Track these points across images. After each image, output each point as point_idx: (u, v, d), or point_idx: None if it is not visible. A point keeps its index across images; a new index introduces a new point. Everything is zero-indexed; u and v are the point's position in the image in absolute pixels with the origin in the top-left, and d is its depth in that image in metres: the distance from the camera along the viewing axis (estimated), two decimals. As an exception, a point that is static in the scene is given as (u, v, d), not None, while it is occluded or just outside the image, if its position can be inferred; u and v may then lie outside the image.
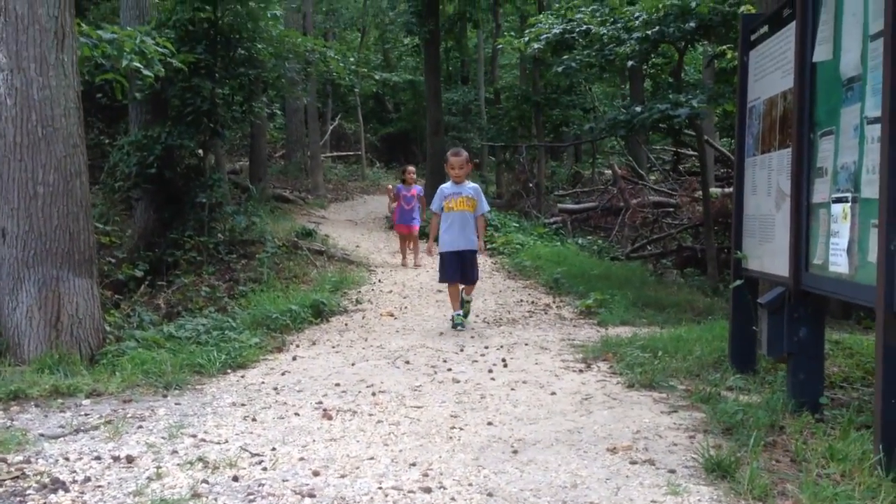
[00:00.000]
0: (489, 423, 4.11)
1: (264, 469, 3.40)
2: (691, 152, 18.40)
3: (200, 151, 10.70)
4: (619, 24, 9.51)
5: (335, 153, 29.01)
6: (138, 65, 6.88)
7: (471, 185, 7.53)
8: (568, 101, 21.04)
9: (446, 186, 7.51)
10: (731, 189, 8.29)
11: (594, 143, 21.88)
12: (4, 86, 5.32)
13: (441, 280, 7.55)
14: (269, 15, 10.59)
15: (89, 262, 5.70)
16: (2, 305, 5.48)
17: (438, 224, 7.62)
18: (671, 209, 15.19)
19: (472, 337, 6.84)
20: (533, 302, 8.99)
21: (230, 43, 10.41)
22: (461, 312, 7.44)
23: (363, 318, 7.85)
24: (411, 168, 12.81)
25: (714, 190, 12.91)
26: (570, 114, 21.86)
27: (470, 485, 3.21)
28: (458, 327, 7.24)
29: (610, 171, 19.34)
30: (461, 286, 7.52)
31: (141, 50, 6.91)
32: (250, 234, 11.23)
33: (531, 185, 19.02)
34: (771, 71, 4.83)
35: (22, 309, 5.39)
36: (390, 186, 13.33)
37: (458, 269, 7.34)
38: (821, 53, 4.05)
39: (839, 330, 6.91)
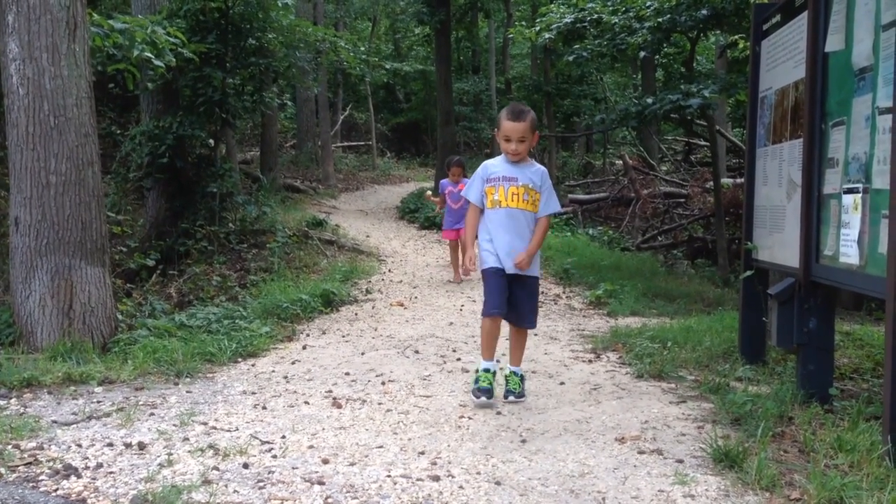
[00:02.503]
0: (498, 413, 4.13)
1: (274, 457, 3.42)
2: (703, 142, 18.32)
3: (211, 141, 10.73)
4: (630, 14, 9.47)
5: (346, 143, 29.01)
6: (149, 55, 6.89)
7: (536, 168, 4.45)
8: (579, 91, 20.99)
9: (493, 163, 4.49)
10: (742, 179, 8.25)
11: (606, 134, 21.80)
12: (17, 75, 5.35)
13: (483, 312, 4.42)
14: (279, 4, 10.57)
15: (101, 250, 5.74)
16: (15, 294, 5.53)
17: (477, 224, 4.50)
18: (682, 200, 15.14)
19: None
20: (543, 292, 8.99)
21: (241, 33, 10.41)
22: (492, 367, 4.39)
23: (373, 307, 7.87)
24: (458, 159, 9.89)
25: (725, 180, 12.87)
26: (581, 104, 21.80)
27: (478, 473, 3.22)
28: (482, 396, 4.28)
29: (621, 162, 19.27)
30: (507, 326, 4.57)
31: (152, 40, 6.93)
32: (261, 224, 11.26)
33: (542, 175, 18.98)
34: (783, 61, 4.80)
35: (35, 297, 5.43)
36: (429, 193, 12.05)
37: (504, 296, 4.36)
38: (833, 43, 4.03)
39: (850, 321, 6.88)
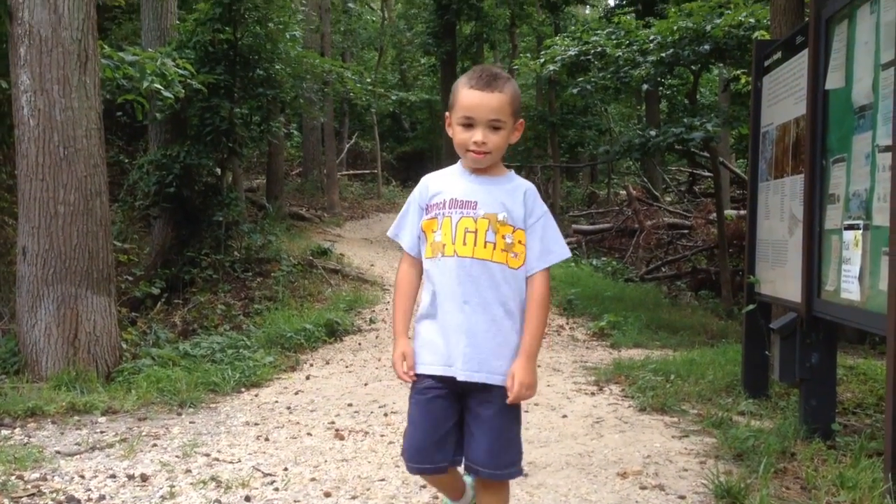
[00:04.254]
0: (500, 446, 4.13)
1: (276, 489, 3.43)
2: (707, 173, 18.39)
3: (218, 170, 10.82)
4: (634, 47, 9.56)
5: (351, 171, 29.15)
6: (159, 86, 6.99)
7: (516, 184, 2.50)
8: (584, 121, 21.11)
9: (437, 177, 2.55)
10: (745, 211, 8.29)
11: (610, 164, 21.90)
12: (28, 107, 5.43)
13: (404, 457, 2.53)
14: (287, 36, 10.72)
15: (108, 280, 5.78)
16: (21, 322, 5.56)
17: (414, 289, 2.55)
18: (686, 231, 15.17)
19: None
20: (547, 323, 9.00)
21: (249, 63, 10.54)
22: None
23: (377, 337, 7.88)
24: None
25: (729, 212, 12.90)
26: (585, 134, 21.91)
27: (480, 508, 3.22)
28: None
29: (625, 192, 19.34)
30: (462, 476, 2.67)
31: (161, 72, 7.02)
32: (266, 253, 11.31)
33: (546, 205, 19.04)
34: (784, 97, 4.86)
35: (41, 326, 5.46)
36: None
37: (442, 432, 2.42)
38: (833, 81, 4.07)
39: (853, 354, 6.88)
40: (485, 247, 2.34)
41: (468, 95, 2.34)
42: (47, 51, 5.41)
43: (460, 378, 2.33)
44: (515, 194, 2.40)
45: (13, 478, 3.50)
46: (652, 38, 9.30)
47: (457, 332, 2.34)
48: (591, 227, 17.17)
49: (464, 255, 2.34)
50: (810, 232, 4.20)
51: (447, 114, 2.44)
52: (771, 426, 4.32)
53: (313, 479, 3.57)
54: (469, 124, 2.34)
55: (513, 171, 2.50)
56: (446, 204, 2.39)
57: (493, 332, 2.34)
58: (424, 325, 2.44)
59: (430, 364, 2.39)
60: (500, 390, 2.33)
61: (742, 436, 4.02)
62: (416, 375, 2.42)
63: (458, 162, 2.48)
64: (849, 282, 3.74)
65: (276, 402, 5.19)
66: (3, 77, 6.19)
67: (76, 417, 4.64)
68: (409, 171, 32.10)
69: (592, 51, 10.10)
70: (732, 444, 3.99)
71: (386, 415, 4.82)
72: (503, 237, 2.35)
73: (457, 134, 2.38)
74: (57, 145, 5.46)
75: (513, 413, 2.38)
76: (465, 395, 2.39)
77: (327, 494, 3.36)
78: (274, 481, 3.53)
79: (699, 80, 10.82)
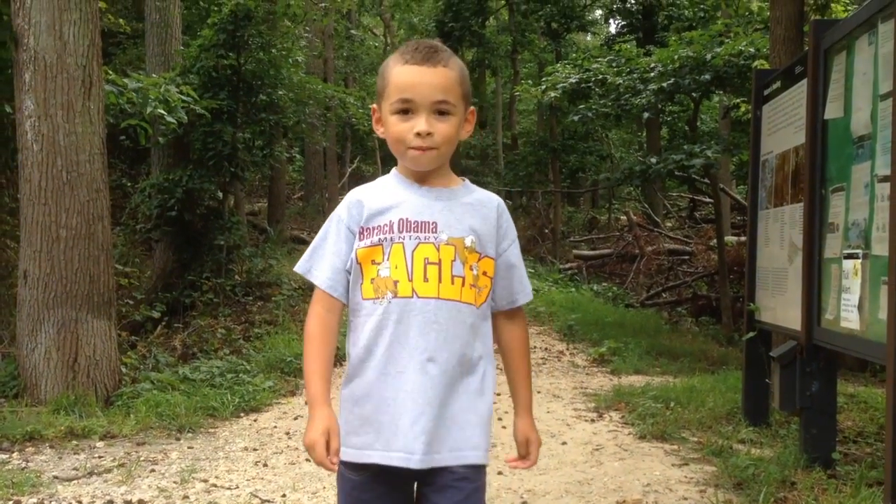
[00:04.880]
0: (499, 473, 4.11)
1: (274, 516, 3.42)
2: (708, 199, 18.43)
3: (220, 194, 10.85)
4: (634, 75, 9.63)
5: (353, 196, 29.23)
6: (162, 111, 7.03)
7: (479, 196, 1.94)
8: (585, 147, 21.19)
9: (371, 190, 1.91)
10: (746, 237, 8.31)
11: (611, 190, 21.97)
12: (32, 132, 5.46)
13: None
14: (290, 62, 10.80)
15: (108, 304, 5.79)
16: (21, 346, 5.56)
17: (332, 341, 1.86)
18: (686, 257, 15.18)
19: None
20: (546, 349, 8.98)
21: (252, 89, 10.60)
22: None
23: (377, 362, 7.87)
24: None
25: (730, 238, 12.92)
26: (586, 160, 21.99)
27: (478, 536, 3.20)
28: None
29: (626, 217, 19.39)
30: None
31: (165, 98, 7.07)
32: (267, 277, 11.32)
33: (547, 230, 19.09)
34: (783, 126, 4.89)
35: (40, 350, 5.46)
36: None
37: None
38: (832, 111, 4.10)
39: (854, 383, 6.85)
40: (452, 283, 1.78)
41: (404, 73, 1.78)
42: (52, 76, 5.46)
43: (419, 467, 1.73)
44: (484, 212, 1.87)
45: (10, 503, 3.49)
46: (653, 66, 9.38)
47: (415, 402, 1.73)
48: (591, 253, 17.19)
49: (426, 296, 1.76)
50: (810, 260, 4.21)
51: (373, 106, 1.90)
52: (771, 455, 4.31)
53: (311, 507, 3.56)
54: (406, 110, 1.77)
55: (467, 180, 1.94)
56: (394, 226, 1.79)
57: (464, 398, 1.80)
58: (359, 390, 1.80)
59: (373, 450, 1.75)
60: (470, 470, 1.78)
61: (742, 464, 4.01)
62: (347, 464, 1.78)
63: (394, 170, 1.90)
64: (848, 310, 3.75)
65: (275, 427, 5.18)
66: (8, 102, 6.24)
67: (74, 442, 4.63)
68: (410, 195, 32.16)
69: (593, 78, 10.17)
70: (732, 473, 3.97)
71: (385, 441, 4.80)
72: (470, 268, 1.81)
73: (391, 127, 1.80)
74: (60, 170, 5.49)
75: (480, 495, 1.82)
76: (418, 483, 1.82)
77: (325, 522, 3.35)
78: (272, 508, 3.52)
79: (700, 108, 10.88)
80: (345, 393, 1.84)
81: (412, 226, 1.80)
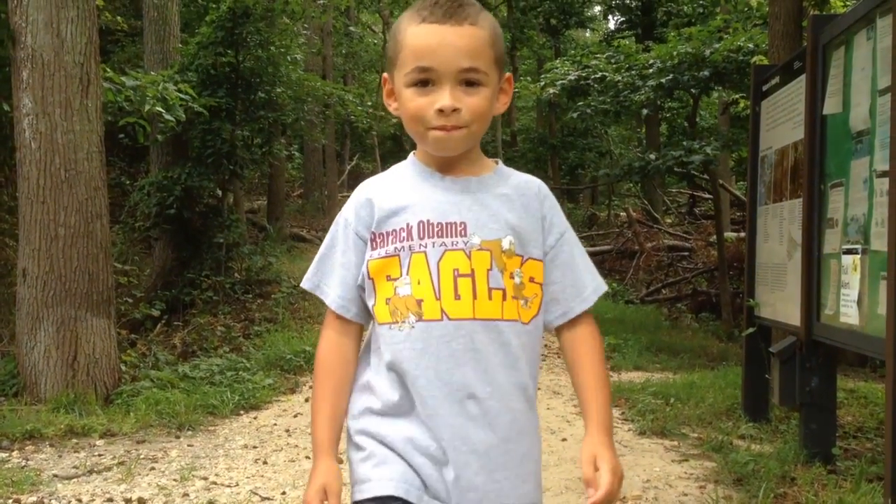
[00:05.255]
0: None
1: (274, 514, 3.42)
2: (707, 195, 18.44)
3: (219, 192, 10.85)
4: (633, 72, 9.61)
5: (352, 193, 29.23)
6: (160, 109, 7.02)
7: (519, 181, 1.57)
8: (584, 143, 21.21)
9: (383, 184, 1.57)
10: (745, 234, 8.31)
11: (610, 186, 21.98)
12: (29, 130, 5.46)
13: None
14: (289, 59, 10.79)
15: (107, 302, 5.78)
16: (20, 344, 5.56)
17: (346, 376, 1.54)
18: (686, 253, 15.18)
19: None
20: (546, 345, 8.98)
21: (251, 87, 10.59)
22: None
23: (377, 360, 7.88)
24: None
25: (729, 234, 12.92)
26: (586, 156, 22.01)
27: (478, 533, 3.20)
28: None
29: (625, 214, 19.39)
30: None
31: (163, 96, 7.06)
32: (266, 274, 11.32)
33: (547, 227, 19.05)
34: (782, 121, 4.88)
35: (40, 348, 5.46)
36: None
37: None
38: (830, 106, 4.10)
39: (854, 378, 6.86)
40: (490, 298, 1.43)
41: (421, 34, 1.42)
42: (49, 74, 5.45)
43: None
44: (524, 202, 1.52)
45: (10, 501, 3.49)
46: (651, 62, 9.36)
47: (455, 448, 1.42)
48: (591, 249, 17.19)
49: (459, 317, 1.42)
50: (809, 256, 4.21)
51: (384, 75, 1.55)
52: (771, 450, 4.31)
53: (311, 504, 3.56)
54: (425, 81, 1.43)
55: (500, 162, 1.59)
56: (413, 231, 1.46)
57: (515, 440, 1.46)
58: (386, 427, 1.47)
59: (391, 491, 1.43)
60: None
61: (742, 460, 4.01)
62: None
63: (411, 157, 1.58)
64: (848, 306, 3.74)
65: (275, 424, 5.18)
66: (6, 100, 6.23)
67: (74, 440, 4.63)
68: (409, 192, 32.17)
69: (592, 75, 10.15)
70: (732, 469, 3.97)
71: (385, 438, 4.81)
72: (510, 276, 1.45)
73: (406, 102, 1.46)
74: (58, 168, 5.48)
75: None
76: None
77: (325, 519, 3.35)
78: (272, 506, 3.52)
79: (699, 104, 10.87)
80: (358, 438, 1.50)
81: (435, 229, 1.45)
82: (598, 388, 1.53)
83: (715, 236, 11.88)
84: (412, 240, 1.45)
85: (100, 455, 4.36)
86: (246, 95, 10.53)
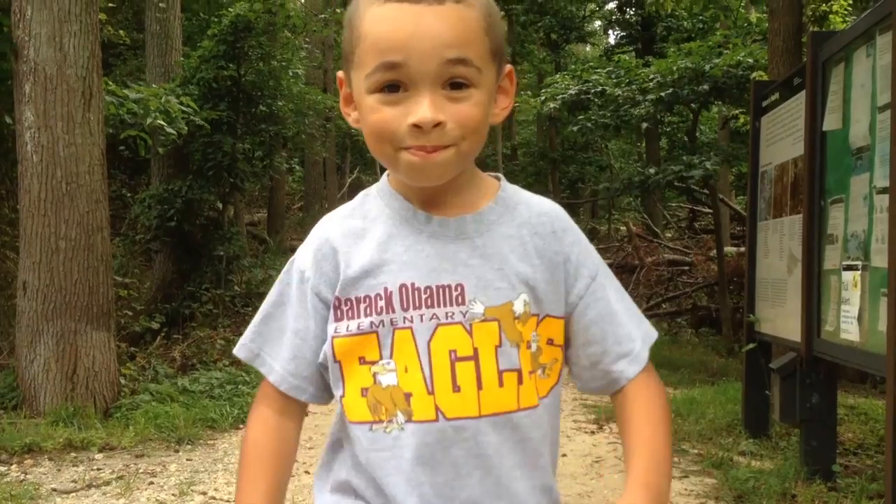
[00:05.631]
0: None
1: (273, 529, 3.40)
2: (707, 210, 18.47)
3: (220, 205, 10.86)
4: (633, 86, 9.65)
5: (353, 206, 29.26)
6: (162, 122, 7.05)
7: (522, 207, 1.15)
8: (584, 158, 21.26)
9: (347, 229, 1.14)
10: (745, 249, 8.32)
11: (610, 200, 22.01)
12: (31, 143, 5.47)
13: None
14: (290, 73, 10.82)
15: (107, 315, 5.78)
16: (20, 357, 5.55)
17: (281, 469, 1.15)
18: (686, 267, 15.18)
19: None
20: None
21: (252, 100, 10.62)
22: None
23: (376, 373, 7.87)
24: None
25: (729, 249, 12.93)
26: (586, 170, 22.06)
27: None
28: None
29: (625, 228, 19.40)
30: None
31: (165, 109, 7.09)
32: (266, 287, 11.28)
33: (547, 241, 19.05)
34: (782, 137, 4.89)
35: (39, 361, 5.45)
36: None
37: None
38: (830, 122, 4.11)
39: (854, 394, 6.84)
40: (501, 384, 1.08)
41: (387, 17, 1.03)
42: (52, 88, 5.47)
43: None
44: (539, 242, 1.13)
45: (8, 516, 3.48)
46: (651, 76, 9.40)
47: None
48: (591, 263, 17.16)
49: (460, 416, 1.07)
50: (809, 272, 4.21)
51: (339, 74, 1.14)
52: (771, 467, 4.29)
53: (310, 519, 3.55)
54: (395, 85, 1.03)
55: (503, 181, 1.19)
56: (393, 298, 1.08)
57: None
58: None
59: None
60: None
61: (742, 477, 4.00)
62: None
63: (383, 182, 1.17)
64: (848, 322, 3.74)
65: (275, 439, 5.16)
66: (8, 113, 6.25)
67: (73, 454, 4.62)
68: (410, 205, 32.17)
69: (592, 89, 10.19)
70: (733, 486, 3.96)
71: (384, 453, 4.79)
72: (527, 346, 1.09)
73: (368, 115, 1.06)
74: (59, 181, 5.49)
75: None
76: None
77: (324, 535, 3.33)
78: (271, 521, 3.51)
79: (699, 119, 10.90)
80: None
81: (423, 296, 1.07)
82: (646, 441, 1.11)
83: (715, 251, 11.89)
84: (393, 311, 1.06)
85: (98, 469, 4.35)
86: (247, 109, 10.56)
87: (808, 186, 4.25)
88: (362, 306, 1.09)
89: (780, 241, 4.85)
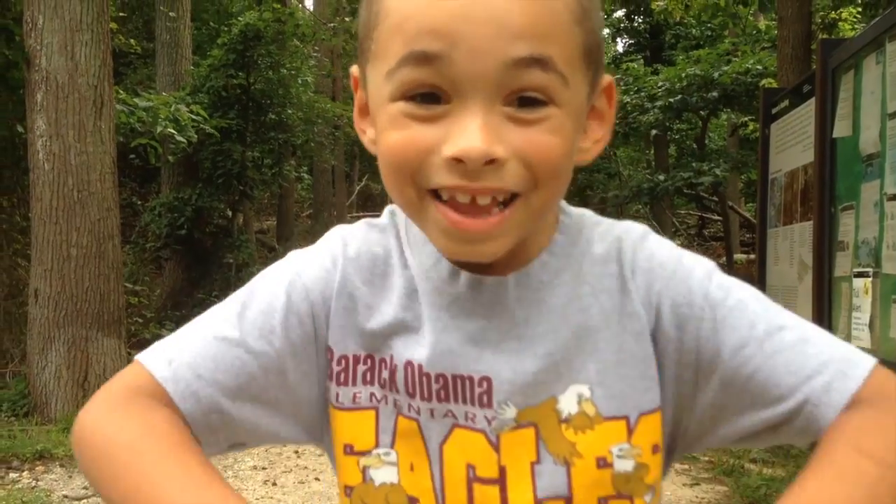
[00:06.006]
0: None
1: (283, 536, 3.41)
2: (716, 217, 18.44)
3: (230, 212, 10.91)
4: (642, 93, 9.66)
5: (361, 213, 29.34)
6: (172, 131, 7.09)
7: (600, 249, 0.79)
8: (593, 165, 21.23)
9: (360, 264, 0.81)
10: (755, 255, 8.32)
11: (620, 207, 22.00)
12: (43, 151, 5.51)
13: None
14: (299, 81, 10.88)
15: (118, 322, 5.81)
16: (31, 364, 5.58)
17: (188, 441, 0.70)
18: (696, 275, 15.14)
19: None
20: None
21: (261, 108, 10.68)
22: None
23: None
24: None
25: (739, 256, 12.90)
26: (594, 178, 22.04)
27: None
28: None
29: (634, 236, 19.34)
30: None
31: (175, 117, 7.13)
32: (276, 295, 11.34)
33: (555, 248, 19.04)
34: (792, 144, 4.89)
35: (51, 368, 5.48)
36: None
37: None
38: (840, 129, 4.10)
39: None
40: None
41: None
42: (63, 97, 5.51)
43: None
44: (605, 298, 0.77)
45: (20, 522, 3.50)
46: (660, 84, 9.41)
47: None
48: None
49: None
50: (820, 279, 4.20)
51: (353, 71, 0.82)
52: (783, 474, 4.28)
53: (321, 526, 3.55)
54: (431, 94, 0.67)
55: (565, 207, 0.85)
56: (397, 375, 0.77)
57: None
58: None
59: None
60: None
61: (754, 484, 3.98)
62: None
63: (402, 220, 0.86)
64: (859, 329, 3.73)
65: (284, 446, 5.17)
66: (20, 122, 6.30)
67: (84, 461, 4.64)
68: (418, 213, 32.19)
69: (601, 97, 10.20)
70: (744, 493, 3.95)
71: (394, 460, 4.80)
72: (602, 463, 0.74)
73: (387, 134, 0.71)
74: (71, 189, 5.53)
75: None
76: None
77: (335, 542, 3.34)
78: (281, 528, 3.52)
79: (708, 126, 10.90)
80: None
81: (434, 386, 0.76)
82: (822, 468, 0.71)
83: (725, 258, 11.87)
84: (396, 391, 0.77)
85: (109, 476, 4.37)
86: (256, 117, 10.62)
87: (818, 193, 4.24)
88: (360, 369, 0.78)
89: (790, 248, 4.83)
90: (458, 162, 0.65)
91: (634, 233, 0.82)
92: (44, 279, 5.52)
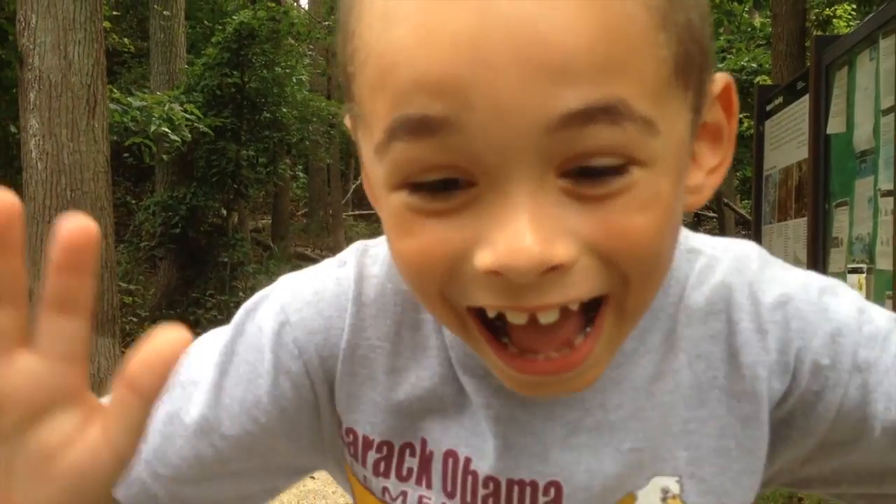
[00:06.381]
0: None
1: (278, 535, 3.40)
2: (711, 214, 18.46)
3: (224, 211, 10.90)
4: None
5: (357, 212, 29.32)
6: (166, 130, 7.07)
7: (701, 308, 0.57)
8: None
9: (383, 320, 0.60)
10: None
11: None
12: (36, 150, 5.49)
13: None
14: (294, 80, 10.86)
15: (112, 321, 5.79)
16: (25, 364, 5.56)
17: None
18: (691, 272, 15.17)
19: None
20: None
21: (256, 107, 10.67)
22: None
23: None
24: None
25: (734, 253, 12.94)
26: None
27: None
28: None
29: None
30: None
31: (169, 116, 7.11)
32: (271, 294, 11.34)
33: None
34: (786, 141, 4.89)
35: (45, 368, 5.46)
36: None
37: None
38: (834, 126, 4.11)
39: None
40: None
41: (419, 7, 0.42)
42: (56, 96, 5.49)
43: None
44: (704, 368, 0.58)
45: (14, 523, 3.48)
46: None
47: None
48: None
49: None
50: (814, 275, 4.20)
51: (346, 122, 0.55)
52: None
53: (315, 525, 3.54)
54: (451, 179, 0.45)
55: (681, 238, 0.57)
56: (433, 468, 0.61)
57: None
58: None
59: None
60: None
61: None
62: None
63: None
64: (853, 326, 3.73)
65: (279, 445, 5.17)
66: (13, 121, 6.28)
67: (78, 461, 4.62)
68: (414, 211, 32.15)
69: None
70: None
71: (389, 459, 4.79)
72: None
73: (394, 239, 0.51)
74: (64, 188, 5.51)
75: None
76: None
77: (329, 541, 3.33)
78: (276, 527, 3.51)
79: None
80: None
81: (481, 491, 0.60)
82: None
83: (720, 255, 11.89)
84: (426, 486, 0.62)
85: (104, 476, 4.36)
86: (251, 115, 10.61)
87: (812, 190, 4.25)
88: (371, 457, 0.62)
89: (784, 244, 4.84)
90: (498, 275, 0.44)
91: (748, 270, 0.59)
92: (37, 279, 5.49)
